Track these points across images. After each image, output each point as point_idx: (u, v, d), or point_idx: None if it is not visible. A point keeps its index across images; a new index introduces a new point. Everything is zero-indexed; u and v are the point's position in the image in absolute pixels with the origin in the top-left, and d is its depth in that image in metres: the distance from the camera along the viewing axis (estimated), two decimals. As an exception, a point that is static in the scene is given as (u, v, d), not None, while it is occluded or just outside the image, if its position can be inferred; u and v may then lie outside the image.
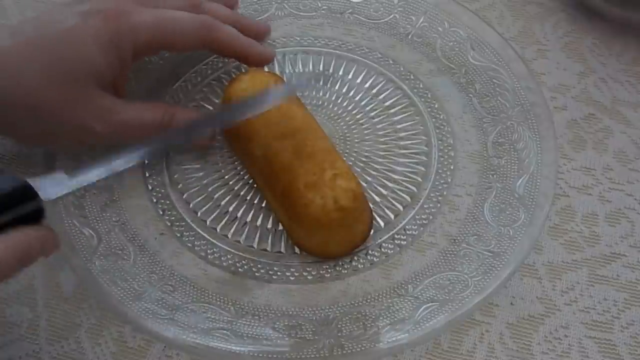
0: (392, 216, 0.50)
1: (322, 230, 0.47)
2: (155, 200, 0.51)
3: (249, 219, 0.50)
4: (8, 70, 0.46)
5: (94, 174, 0.43)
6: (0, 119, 0.47)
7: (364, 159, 0.53)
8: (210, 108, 0.56)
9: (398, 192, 0.52)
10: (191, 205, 0.51)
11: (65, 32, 0.47)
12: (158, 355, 0.46)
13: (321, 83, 0.55)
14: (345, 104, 0.56)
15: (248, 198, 0.51)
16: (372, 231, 0.49)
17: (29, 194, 0.41)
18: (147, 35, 0.48)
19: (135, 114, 0.49)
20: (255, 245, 0.49)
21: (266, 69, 0.56)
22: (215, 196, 0.51)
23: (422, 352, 0.46)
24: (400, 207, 0.51)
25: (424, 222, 0.50)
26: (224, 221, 0.50)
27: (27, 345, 0.47)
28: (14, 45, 0.47)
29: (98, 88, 0.47)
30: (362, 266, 0.48)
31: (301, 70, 0.57)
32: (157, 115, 0.49)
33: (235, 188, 0.52)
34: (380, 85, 0.57)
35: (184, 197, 0.51)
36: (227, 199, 0.51)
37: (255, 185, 0.52)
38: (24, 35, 0.47)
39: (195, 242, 0.49)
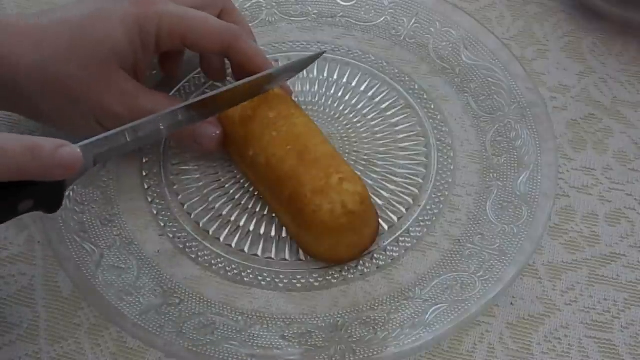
0: (395, 219, 0.50)
1: (332, 235, 0.46)
2: (155, 212, 0.51)
3: (251, 227, 0.50)
4: (32, 43, 0.47)
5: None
6: (17, 93, 0.47)
7: (363, 162, 0.53)
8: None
9: (400, 194, 0.51)
10: (192, 216, 0.51)
11: (94, 12, 0.48)
12: (158, 355, 0.46)
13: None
14: (341, 107, 0.56)
15: (250, 206, 0.51)
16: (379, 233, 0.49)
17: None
18: (171, 25, 0.49)
19: (151, 102, 0.49)
20: (259, 254, 0.49)
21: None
22: (217, 206, 0.51)
23: (422, 352, 0.46)
24: (403, 210, 0.51)
25: (427, 223, 0.50)
26: (226, 230, 0.50)
27: (27, 346, 0.46)
28: (42, 22, 0.48)
29: (120, 69, 0.48)
30: (368, 270, 0.48)
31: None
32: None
33: (236, 197, 0.51)
34: (375, 88, 0.57)
35: (185, 207, 0.51)
36: (228, 208, 0.51)
37: (256, 193, 0.51)
38: (57, 15, 0.48)
39: (199, 253, 0.49)
